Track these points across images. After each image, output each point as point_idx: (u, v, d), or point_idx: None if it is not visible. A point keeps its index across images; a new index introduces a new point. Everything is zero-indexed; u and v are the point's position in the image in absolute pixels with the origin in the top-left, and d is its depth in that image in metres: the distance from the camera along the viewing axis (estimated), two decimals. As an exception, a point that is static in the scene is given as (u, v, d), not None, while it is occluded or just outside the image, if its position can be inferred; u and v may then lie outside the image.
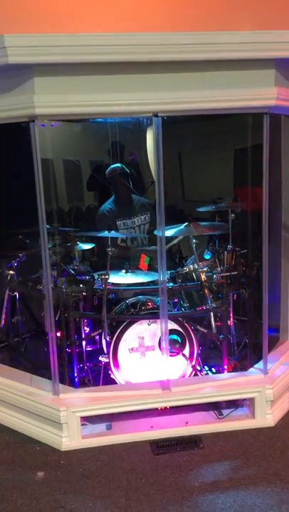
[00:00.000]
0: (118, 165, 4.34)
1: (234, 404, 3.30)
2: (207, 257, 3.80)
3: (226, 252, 3.72)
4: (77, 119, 3.76)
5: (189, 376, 3.47)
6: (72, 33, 2.67)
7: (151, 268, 3.81)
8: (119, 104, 2.85)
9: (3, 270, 3.99)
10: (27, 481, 2.80)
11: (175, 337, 3.38)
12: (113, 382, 3.43)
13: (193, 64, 2.81)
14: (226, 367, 3.48)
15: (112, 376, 3.43)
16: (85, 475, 2.82)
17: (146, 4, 3.12)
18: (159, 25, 2.88)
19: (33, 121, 2.89)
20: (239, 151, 4.99)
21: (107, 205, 4.35)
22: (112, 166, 4.35)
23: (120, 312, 3.61)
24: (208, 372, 3.56)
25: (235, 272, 3.61)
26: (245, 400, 3.29)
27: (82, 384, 3.50)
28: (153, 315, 3.40)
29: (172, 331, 3.37)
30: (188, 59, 2.77)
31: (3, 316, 3.91)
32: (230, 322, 3.69)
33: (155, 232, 3.30)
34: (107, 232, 3.69)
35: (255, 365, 3.44)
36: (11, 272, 3.89)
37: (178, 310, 3.66)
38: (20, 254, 3.95)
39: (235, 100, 2.92)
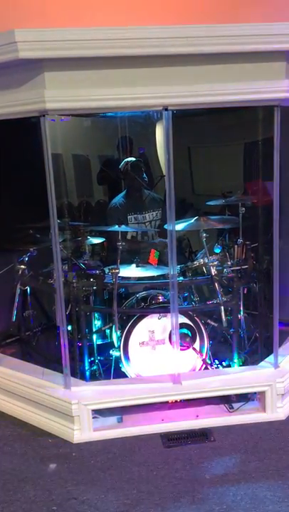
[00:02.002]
0: (134, 159, 4.33)
1: (245, 397, 3.31)
2: (217, 251, 3.79)
3: (236, 245, 3.72)
4: (88, 113, 3.75)
5: (200, 370, 3.48)
6: (82, 26, 2.67)
7: (161, 262, 3.81)
8: (129, 97, 2.85)
9: (14, 265, 4.02)
10: (39, 472, 2.83)
11: (185, 331, 3.39)
12: (124, 375, 3.45)
13: (203, 57, 2.80)
14: (236, 360, 3.48)
15: (122, 369, 3.45)
16: (96, 467, 2.84)
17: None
18: (167, 18, 2.86)
19: (44, 116, 2.89)
20: (249, 144, 4.96)
21: (119, 198, 4.33)
22: (127, 160, 4.33)
23: (131, 306, 3.62)
24: (219, 366, 3.56)
25: (246, 266, 3.60)
26: (255, 393, 3.29)
27: (93, 377, 3.52)
28: (163, 309, 3.41)
29: (182, 325, 3.38)
30: (199, 52, 2.76)
31: (15, 311, 3.94)
32: (241, 316, 3.69)
33: (165, 227, 3.30)
34: (117, 226, 3.69)
35: (266, 359, 3.44)
36: (22, 266, 3.91)
37: (188, 304, 3.66)
38: (32, 249, 3.97)
39: (245, 93, 2.91)
